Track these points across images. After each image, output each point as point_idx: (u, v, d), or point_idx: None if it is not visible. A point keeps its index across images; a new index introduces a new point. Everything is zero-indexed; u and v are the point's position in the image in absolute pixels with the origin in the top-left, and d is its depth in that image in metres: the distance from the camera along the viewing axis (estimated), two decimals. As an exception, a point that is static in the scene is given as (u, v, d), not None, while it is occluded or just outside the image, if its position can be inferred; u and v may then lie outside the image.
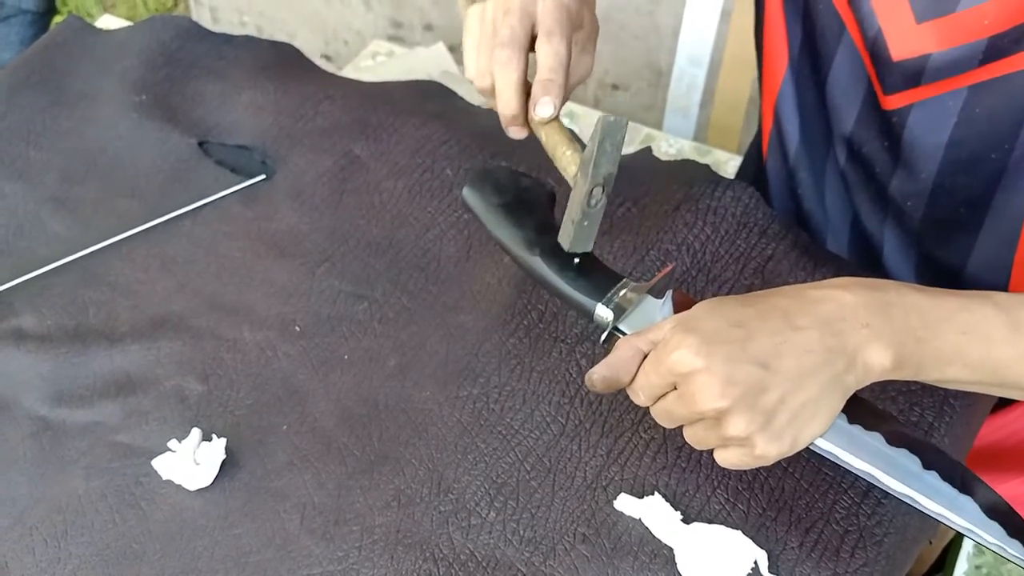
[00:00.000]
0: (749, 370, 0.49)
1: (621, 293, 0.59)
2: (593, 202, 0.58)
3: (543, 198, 0.67)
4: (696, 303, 0.54)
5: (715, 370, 0.49)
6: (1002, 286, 0.70)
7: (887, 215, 0.73)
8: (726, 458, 0.51)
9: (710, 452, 0.62)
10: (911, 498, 0.54)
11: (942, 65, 0.61)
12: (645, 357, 0.53)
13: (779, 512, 0.60)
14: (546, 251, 0.61)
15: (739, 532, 0.58)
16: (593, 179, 0.56)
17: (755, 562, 0.57)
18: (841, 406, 0.51)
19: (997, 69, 0.59)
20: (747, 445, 0.50)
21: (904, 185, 0.69)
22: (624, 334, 0.57)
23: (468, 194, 0.67)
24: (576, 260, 0.61)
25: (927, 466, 0.54)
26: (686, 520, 0.60)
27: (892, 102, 0.65)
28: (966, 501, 0.54)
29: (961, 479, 0.54)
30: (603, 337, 0.58)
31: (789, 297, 0.52)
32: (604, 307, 0.58)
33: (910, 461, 0.54)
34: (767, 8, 0.75)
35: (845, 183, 0.75)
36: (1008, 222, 0.66)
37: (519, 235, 0.63)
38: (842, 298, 0.51)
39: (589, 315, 0.59)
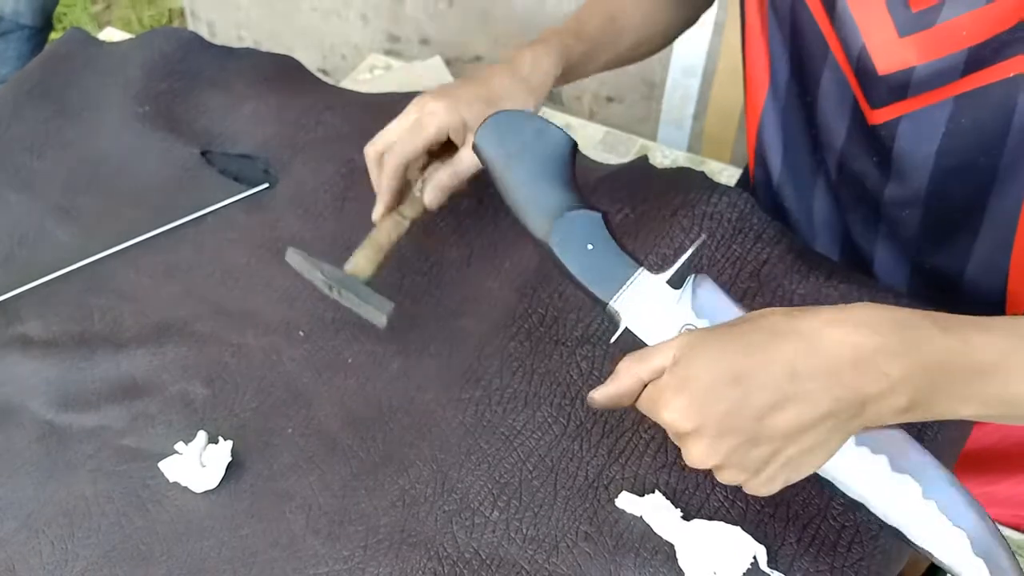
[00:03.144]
0: (740, 433, 0.48)
1: (635, 285, 0.56)
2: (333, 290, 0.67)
3: (565, 149, 0.60)
4: (713, 290, 0.54)
5: (706, 432, 0.49)
6: (999, 290, 0.71)
7: (879, 231, 0.75)
8: (735, 481, 0.52)
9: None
10: (903, 528, 0.53)
11: (926, 77, 0.62)
12: (647, 385, 0.52)
13: (777, 508, 0.61)
14: (562, 230, 0.57)
15: (738, 528, 0.59)
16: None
17: (754, 557, 0.58)
18: (841, 446, 0.51)
19: (979, 79, 0.60)
20: (749, 482, 0.51)
21: (897, 195, 0.70)
22: (635, 335, 0.56)
23: (482, 141, 0.60)
24: (590, 246, 0.57)
25: (927, 496, 0.53)
26: (686, 517, 0.60)
27: (880, 116, 0.67)
28: (958, 536, 0.52)
29: (958, 508, 0.53)
30: (614, 337, 0.57)
31: (800, 341, 0.48)
32: (615, 308, 0.56)
33: (911, 489, 0.53)
34: (747, 34, 0.78)
35: (837, 200, 0.77)
36: (1003, 225, 0.67)
37: (534, 209, 0.58)
38: (862, 342, 0.48)
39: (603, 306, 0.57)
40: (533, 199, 0.58)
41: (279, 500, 0.64)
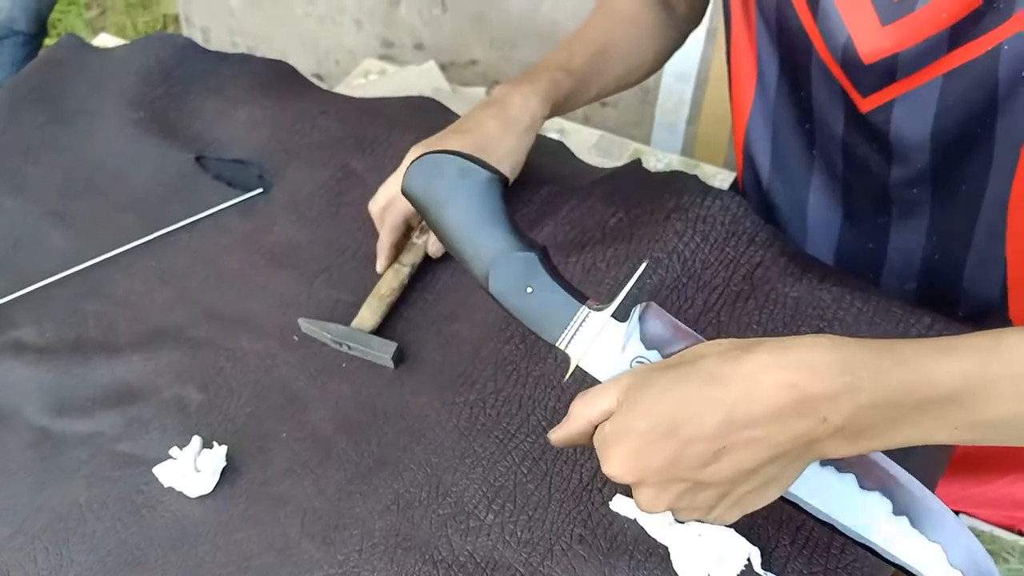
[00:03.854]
0: (682, 483, 0.49)
1: (581, 323, 0.55)
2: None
3: (494, 189, 0.58)
4: (659, 319, 0.54)
5: (648, 483, 0.50)
6: (999, 256, 0.71)
7: (891, 214, 0.75)
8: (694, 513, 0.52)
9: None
10: (875, 546, 0.53)
11: (912, 60, 0.64)
12: (597, 427, 0.51)
13: (770, 510, 0.61)
14: (499, 277, 0.56)
15: (732, 530, 0.59)
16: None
17: (748, 559, 0.58)
18: (796, 478, 0.50)
19: (963, 55, 0.61)
20: (707, 517, 0.52)
21: (903, 175, 0.71)
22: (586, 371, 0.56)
23: (409, 187, 0.58)
24: (529, 289, 0.55)
25: (898, 511, 0.52)
26: (680, 520, 0.61)
27: (871, 103, 0.68)
28: (933, 550, 0.52)
29: (932, 520, 0.52)
30: (566, 376, 0.56)
31: (737, 387, 0.47)
32: (563, 349, 0.55)
33: (881, 505, 0.52)
34: (733, 41, 0.78)
35: (847, 188, 0.77)
36: (998, 202, 0.68)
37: (469, 255, 0.57)
38: (801, 387, 0.46)
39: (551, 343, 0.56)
40: (467, 245, 0.57)
41: (274, 505, 0.64)
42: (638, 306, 0.55)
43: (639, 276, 0.56)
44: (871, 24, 0.64)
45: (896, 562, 0.53)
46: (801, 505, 0.53)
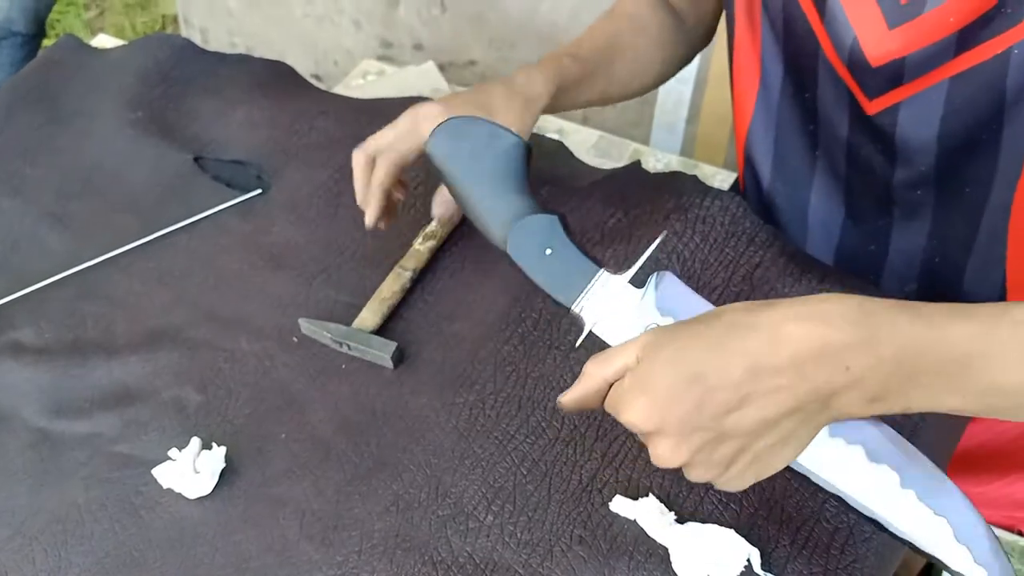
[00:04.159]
0: (704, 432, 0.48)
1: (597, 287, 0.55)
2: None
3: (519, 153, 0.60)
4: (675, 287, 0.54)
5: (669, 433, 0.49)
6: (999, 258, 0.71)
7: (893, 215, 0.75)
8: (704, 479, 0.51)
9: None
10: (882, 519, 0.53)
11: (919, 63, 0.63)
12: (612, 384, 0.51)
13: (770, 511, 0.61)
14: (518, 237, 0.56)
15: (732, 531, 0.59)
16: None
17: (748, 560, 0.58)
18: (812, 438, 0.50)
19: (970, 59, 0.61)
20: (719, 480, 0.51)
21: (906, 177, 0.71)
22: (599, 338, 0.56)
23: (433, 148, 0.59)
24: (548, 251, 0.56)
25: (905, 485, 0.52)
26: (680, 520, 0.61)
27: (877, 105, 0.67)
28: (939, 524, 0.52)
29: (939, 495, 0.52)
30: (579, 341, 0.56)
31: (760, 336, 0.47)
32: (578, 313, 0.55)
33: (889, 478, 0.52)
34: (736, 43, 0.78)
35: (850, 189, 0.77)
36: (1001, 206, 0.68)
37: (490, 216, 0.57)
38: (823, 336, 0.47)
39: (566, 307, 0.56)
40: (488, 206, 0.57)
41: (273, 506, 0.64)
42: (655, 274, 0.55)
43: (657, 244, 0.56)
44: (878, 26, 0.63)
45: (903, 537, 0.53)
46: (811, 477, 0.53)
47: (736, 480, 0.50)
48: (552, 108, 0.75)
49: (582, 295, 0.56)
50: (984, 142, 0.65)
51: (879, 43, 0.64)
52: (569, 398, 0.53)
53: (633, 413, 0.49)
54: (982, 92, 0.62)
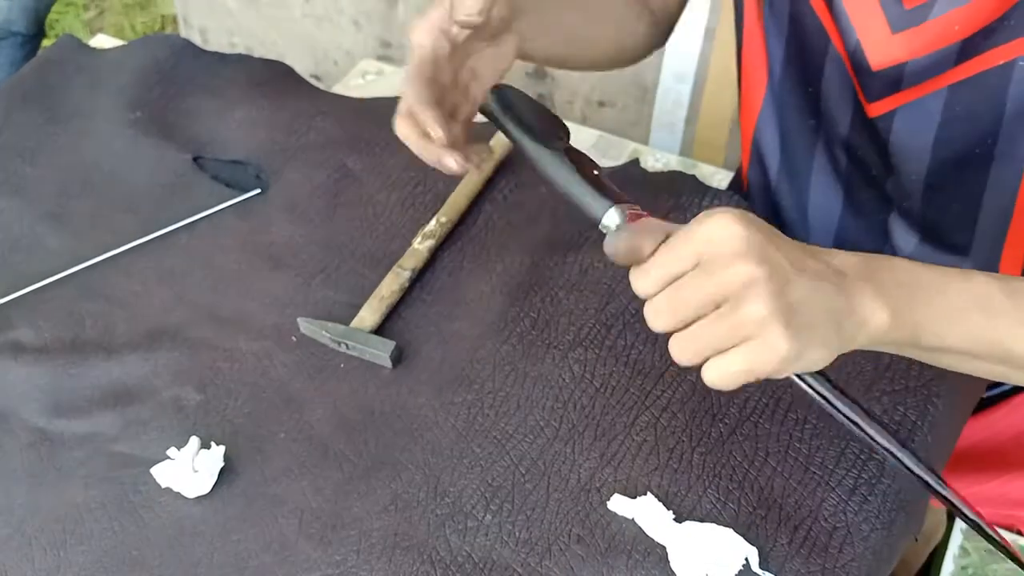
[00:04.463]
0: (780, 259, 0.46)
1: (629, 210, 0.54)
2: None
3: (560, 130, 0.61)
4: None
5: (752, 243, 0.46)
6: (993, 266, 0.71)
7: (891, 211, 0.75)
8: (724, 365, 0.47)
9: (701, 452, 0.63)
10: (893, 448, 0.52)
11: (920, 69, 0.63)
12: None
13: (769, 510, 0.61)
14: (565, 153, 0.57)
15: (730, 530, 0.59)
16: None
17: (746, 559, 0.58)
18: (837, 348, 0.48)
19: (972, 67, 0.61)
20: (759, 336, 0.46)
21: (897, 188, 0.71)
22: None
23: (492, 99, 0.60)
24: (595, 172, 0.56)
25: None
26: (678, 519, 0.61)
27: (877, 109, 0.67)
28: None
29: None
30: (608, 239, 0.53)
31: (800, 245, 0.49)
32: (615, 211, 0.54)
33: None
34: (745, 36, 0.78)
35: (849, 187, 0.77)
36: (998, 218, 0.67)
37: (540, 136, 0.58)
38: (845, 258, 0.50)
39: (597, 219, 0.55)
40: (536, 136, 0.58)
41: (272, 505, 0.64)
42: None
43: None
44: (881, 31, 0.63)
45: (922, 474, 0.51)
46: (830, 403, 0.51)
47: (786, 337, 0.46)
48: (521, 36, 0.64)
49: (618, 206, 0.54)
50: (977, 155, 0.64)
51: (881, 47, 0.64)
52: (622, 238, 0.50)
53: (716, 223, 0.46)
54: (981, 102, 0.62)
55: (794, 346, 0.46)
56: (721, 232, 0.46)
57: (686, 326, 0.48)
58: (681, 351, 0.48)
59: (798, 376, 0.50)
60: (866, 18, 0.64)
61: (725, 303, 0.46)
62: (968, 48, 0.60)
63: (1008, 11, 0.58)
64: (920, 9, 0.61)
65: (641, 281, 0.49)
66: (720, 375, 0.47)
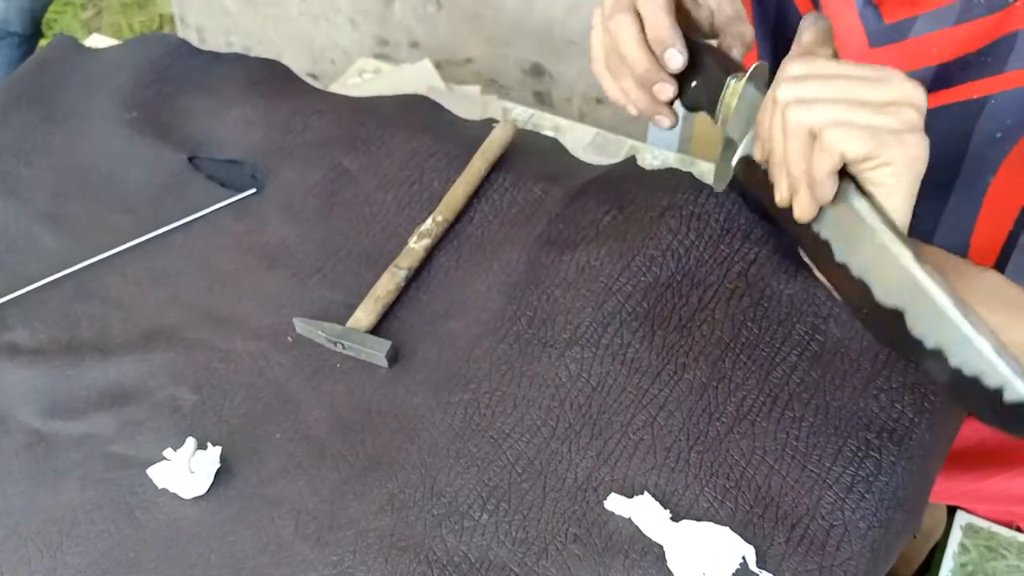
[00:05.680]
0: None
1: (728, 92, 0.60)
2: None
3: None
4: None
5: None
6: None
7: None
8: (852, 127, 0.50)
9: (698, 451, 0.63)
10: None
11: None
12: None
13: (766, 509, 0.61)
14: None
15: (727, 528, 0.59)
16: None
17: (743, 558, 0.58)
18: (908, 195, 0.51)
19: (944, 98, 0.61)
20: (902, 128, 0.49)
21: None
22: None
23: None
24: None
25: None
26: (675, 518, 0.61)
27: None
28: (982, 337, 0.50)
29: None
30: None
31: None
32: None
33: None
34: None
35: None
36: (955, 244, 0.68)
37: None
38: None
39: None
40: None
41: (268, 506, 0.64)
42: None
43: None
44: (859, 44, 0.63)
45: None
46: (871, 286, 0.52)
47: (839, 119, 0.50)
48: None
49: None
50: (935, 186, 0.64)
51: (858, 60, 0.64)
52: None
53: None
54: (946, 134, 0.62)
55: (914, 153, 0.48)
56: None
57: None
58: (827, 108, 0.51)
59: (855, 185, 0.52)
60: (846, 30, 0.64)
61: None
62: (943, 76, 0.60)
63: (987, 46, 0.58)
64: (900, 25, 0.61)
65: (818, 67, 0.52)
66: (846, 133, 0.49)
